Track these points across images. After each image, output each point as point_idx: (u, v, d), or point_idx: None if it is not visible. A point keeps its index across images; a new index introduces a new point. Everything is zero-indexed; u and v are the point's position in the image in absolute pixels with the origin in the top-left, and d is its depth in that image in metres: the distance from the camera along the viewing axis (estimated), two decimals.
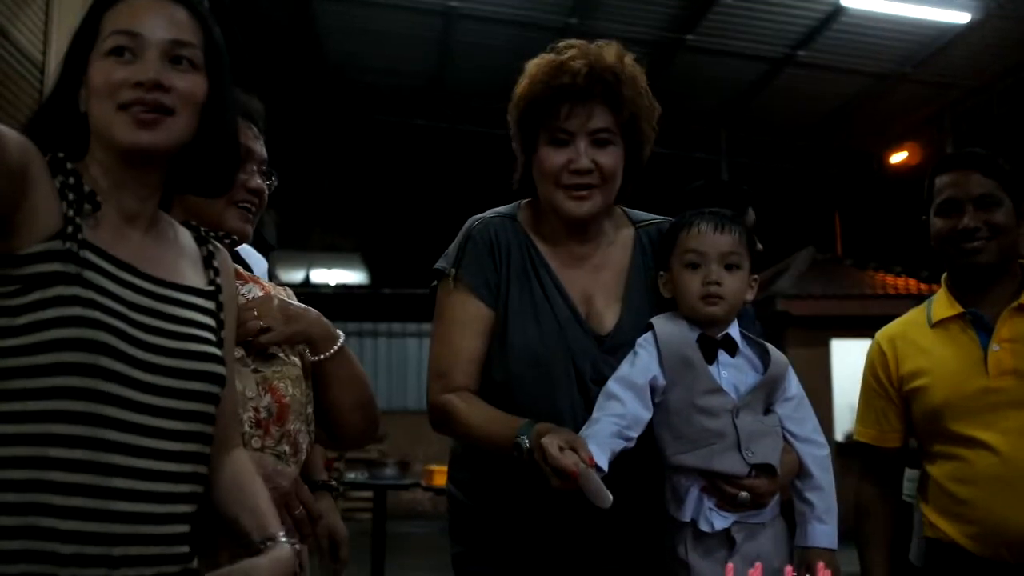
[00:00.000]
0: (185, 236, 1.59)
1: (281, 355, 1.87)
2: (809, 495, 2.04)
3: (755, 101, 13.48)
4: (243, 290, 1.87)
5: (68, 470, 1.29)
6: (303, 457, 1.88)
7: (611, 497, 1.68)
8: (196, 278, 1.54)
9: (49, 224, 1.34)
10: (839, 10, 10.83)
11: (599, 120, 2.02)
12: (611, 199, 2.10)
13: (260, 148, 1.96)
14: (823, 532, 2.02)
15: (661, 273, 2.09)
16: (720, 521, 1.94)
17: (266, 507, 1.55)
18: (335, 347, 1.92)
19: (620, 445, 1.89)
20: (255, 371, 1.82)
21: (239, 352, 1.77)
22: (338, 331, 1.95)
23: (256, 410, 1.79)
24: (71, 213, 1.35)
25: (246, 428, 1.75)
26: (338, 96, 13.90)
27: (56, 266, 1.32)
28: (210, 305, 1.53)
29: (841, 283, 13.16)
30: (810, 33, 11.45)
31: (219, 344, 1.51)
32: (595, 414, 1.93)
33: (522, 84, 2.07)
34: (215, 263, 1.58)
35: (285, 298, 1.95)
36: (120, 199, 1.44)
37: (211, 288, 1.55)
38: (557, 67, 2.01)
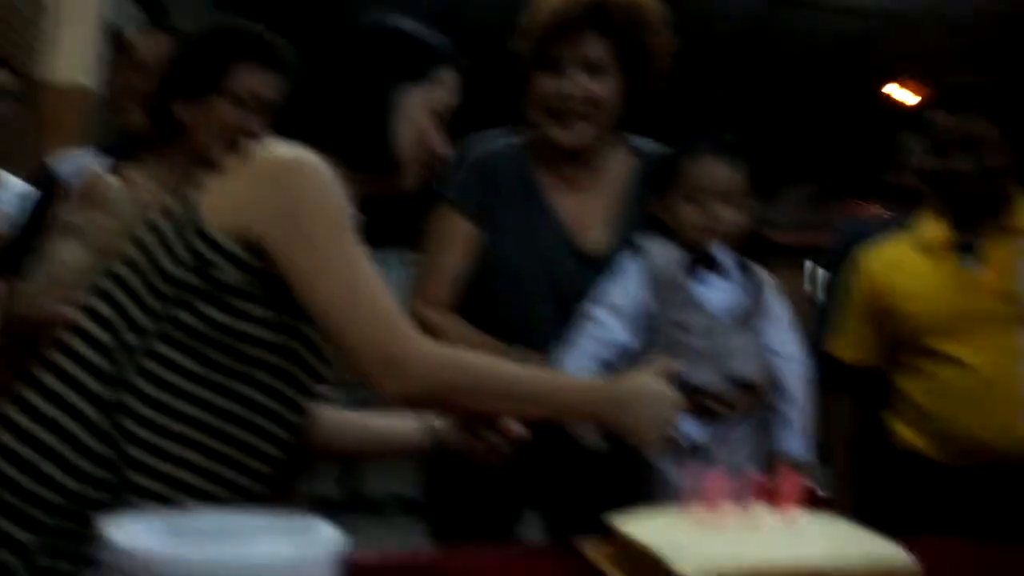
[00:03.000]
0: None
1: None
2: (785, 408, 2.06)
3: (759, 38, 13.34)
4: None
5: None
6: None
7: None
8: None
9: None
10: None
11: (591, 49, 2.02)
12: (604, 128, 2.10)
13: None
14: (799, 443, 2.06)
15: (657, 198, 2.08)
16: (697, 434, 1.94)
17: None
18: None
19: (595, 363, 1.93)
20: None
21: None
22: None
23: None
24: None
25: None
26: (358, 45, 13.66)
27: None
28: None
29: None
30: None
31: None
32: (574, 336, 1.95)
33: (529, 12, 2.08)
34: None
35: None
36: None
37: None
38: None
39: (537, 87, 2.05)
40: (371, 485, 6.87)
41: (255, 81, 2.03)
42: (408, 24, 1.67)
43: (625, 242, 2.07)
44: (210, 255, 1.41)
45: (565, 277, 2.05)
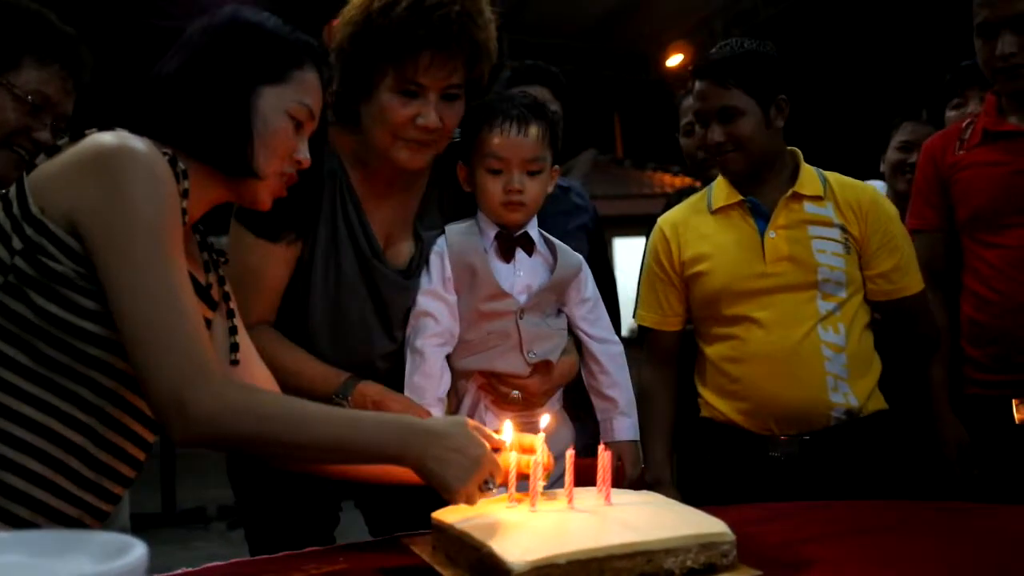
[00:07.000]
0: None
1: None
2: (610, 392, 2.11)
3: (533, 4, 13.53)
4: None
5: None
6: None
7: None
8: None
9: None
10: None
11: (457, 76, 1.89)
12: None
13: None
14: (626, 425, 2.11)
15: (460, 164, 2.04)
16: (494, 421, 1.93)
17: None
18: None
19: (448, 371, 1.95)
20: None
21: None
22: None
23: None
24: None
25: None
26: None
27: None
28: None
29: (622, 183, 13.60)
30: None
31: None
32: (417, 341, 1.94)
33: (371, 4, 1.86)
34: None
35: None
36: None
37: None
38: (426, 7, 1.82)
39: (389, 109, 1.89)
40: (192, 495, 6.67)
41: (43, 78, 1.86)
42: (269, 20, 1.55)
43: (431, 243, 2.03)
44: (40, 241, 1.32)
45: (388, 296, 2.00)
